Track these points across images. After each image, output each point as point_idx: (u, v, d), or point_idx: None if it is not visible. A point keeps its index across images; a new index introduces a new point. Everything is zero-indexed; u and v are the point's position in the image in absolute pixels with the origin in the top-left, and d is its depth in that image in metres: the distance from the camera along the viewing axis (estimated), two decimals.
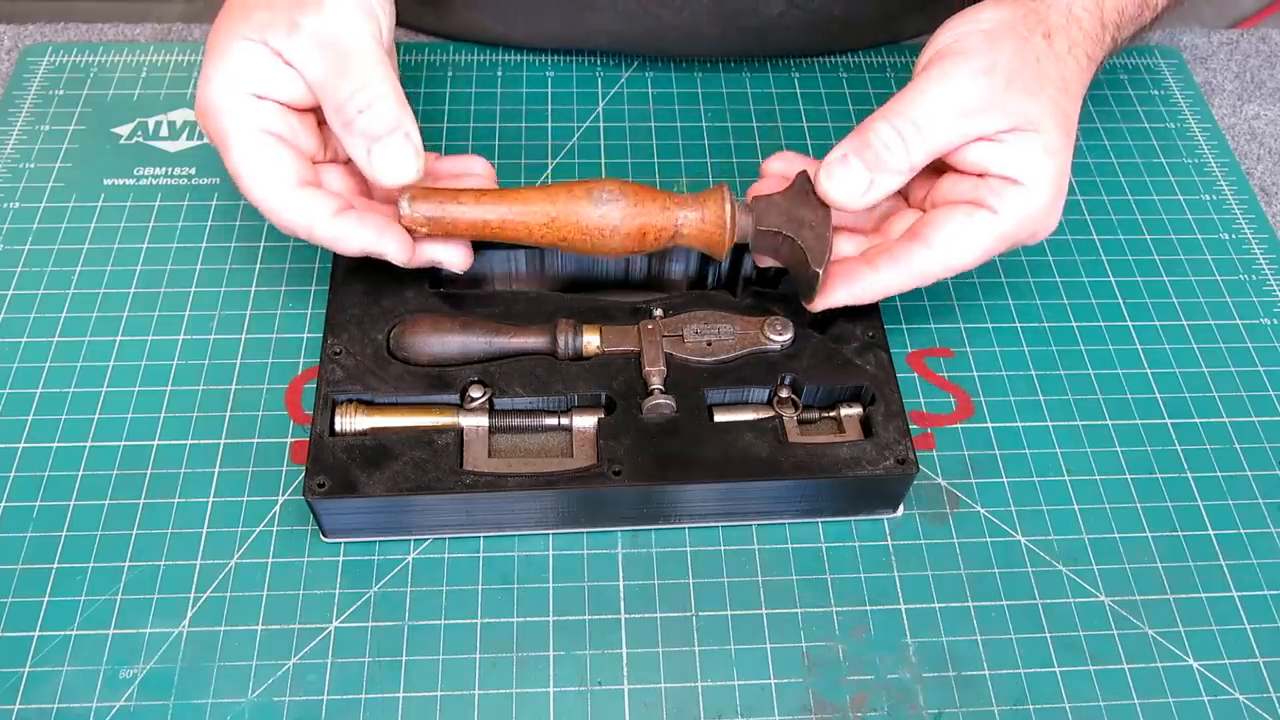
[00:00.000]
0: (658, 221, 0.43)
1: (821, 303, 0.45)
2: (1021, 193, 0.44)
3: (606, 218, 0.43)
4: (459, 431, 0.44)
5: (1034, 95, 0.43)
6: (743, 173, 0.59)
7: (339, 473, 0.42)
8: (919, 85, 0.43)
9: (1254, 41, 0.69)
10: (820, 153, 0.60)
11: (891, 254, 0.45)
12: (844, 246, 0.47)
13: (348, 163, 0.47)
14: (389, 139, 0.42)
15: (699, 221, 0.44)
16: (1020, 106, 0.43)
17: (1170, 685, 0.42)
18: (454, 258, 0.46)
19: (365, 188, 0.47)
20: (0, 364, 0.49)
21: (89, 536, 0.44)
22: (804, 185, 0.45)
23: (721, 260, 0.46)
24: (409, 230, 0.44)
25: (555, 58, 0.64)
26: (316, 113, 0.45)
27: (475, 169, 0.49)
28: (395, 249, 0.44)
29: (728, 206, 0.44)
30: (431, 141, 0.59)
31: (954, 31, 0.45)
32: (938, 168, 0.46)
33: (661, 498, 0.44)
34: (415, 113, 0.61)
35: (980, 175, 0.45)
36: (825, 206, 0.44)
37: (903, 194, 0.48)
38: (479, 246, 0.49)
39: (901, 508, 0.46)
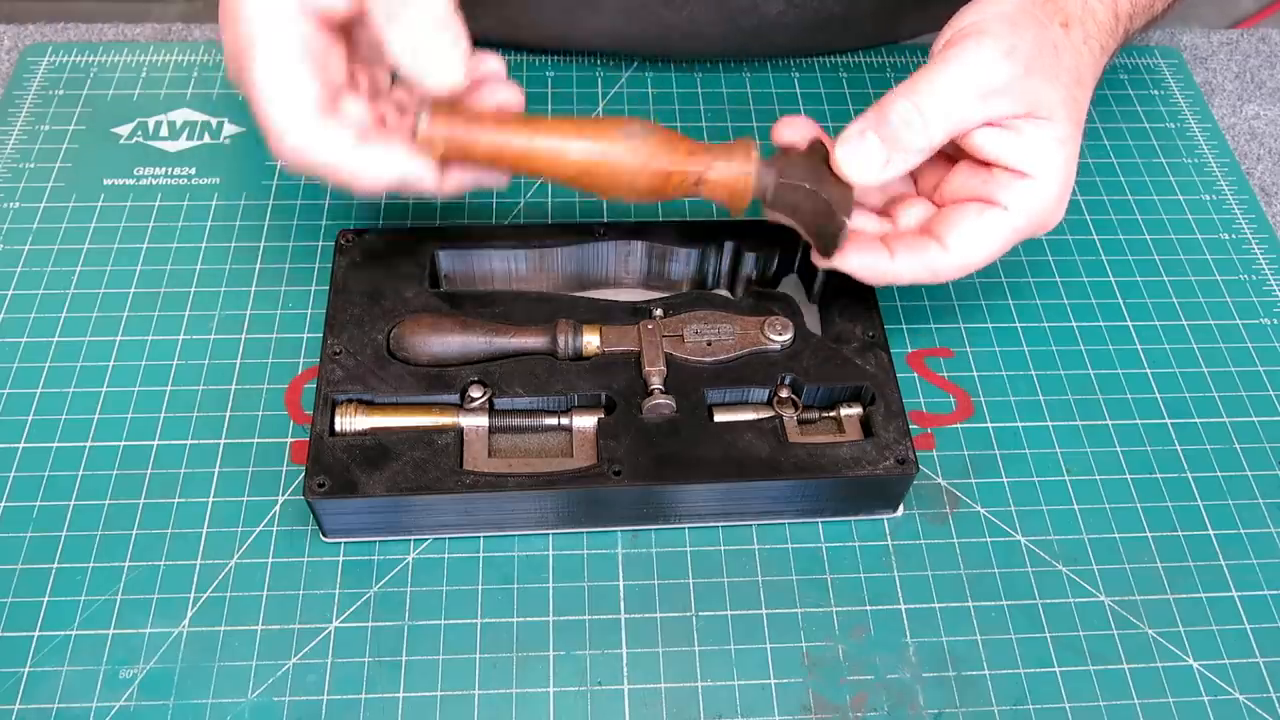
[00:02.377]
0: (683, 165, 0.42)
1: (839, 259, 0.44)
2: (1031, 186, 0.43)
3: (635, 154, 0.41)
4: (459, 431, 0.44)
5: (1050, 82, 0.43)
6: None
7: (339, 473, 0.42)
8: (940, 63, 0.43)
9: (1254, 41, 0.69)
10: None
11: (909, 246, 0.44)
12: (855, 221, 0.46)
13: (377, 98, 0.44)
14: (437, 36, 0.39)
15: (725, 169, 0.43)
16: (1037, 93, 0.43)
17: (1170, 685, 0.42)
18: (487, 179, 0.43)
19: (381, 121, 0.44)
20: (0, 364, 0.49)
21: (89, 536, 0.44)
22: (821, 151, 0.44)
23: (740, 212, 0.44)
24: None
25: (555, 58, 0.64)
26: (349, 38, 0.42)
27: (502, 95, 0.44)
28: (427, 174, 0.41)
29: (755, 154, 0.43)
30: None
31: (976, 13, 0.44)
32: (949, 155, 0.46)
33: (661, 498, 0.44)
34: None
35: (989, 167, 0.44)
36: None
37: (912, 177, 0.48)
38: (479, 246, 0.49)
39: (901, 508, 0.46)
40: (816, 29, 0.63)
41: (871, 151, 0.43)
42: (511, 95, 0.44)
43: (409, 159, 0.41)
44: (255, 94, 0.40)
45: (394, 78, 0.45)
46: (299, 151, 0.40)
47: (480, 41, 0.65)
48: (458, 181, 0.42)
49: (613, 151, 0.41)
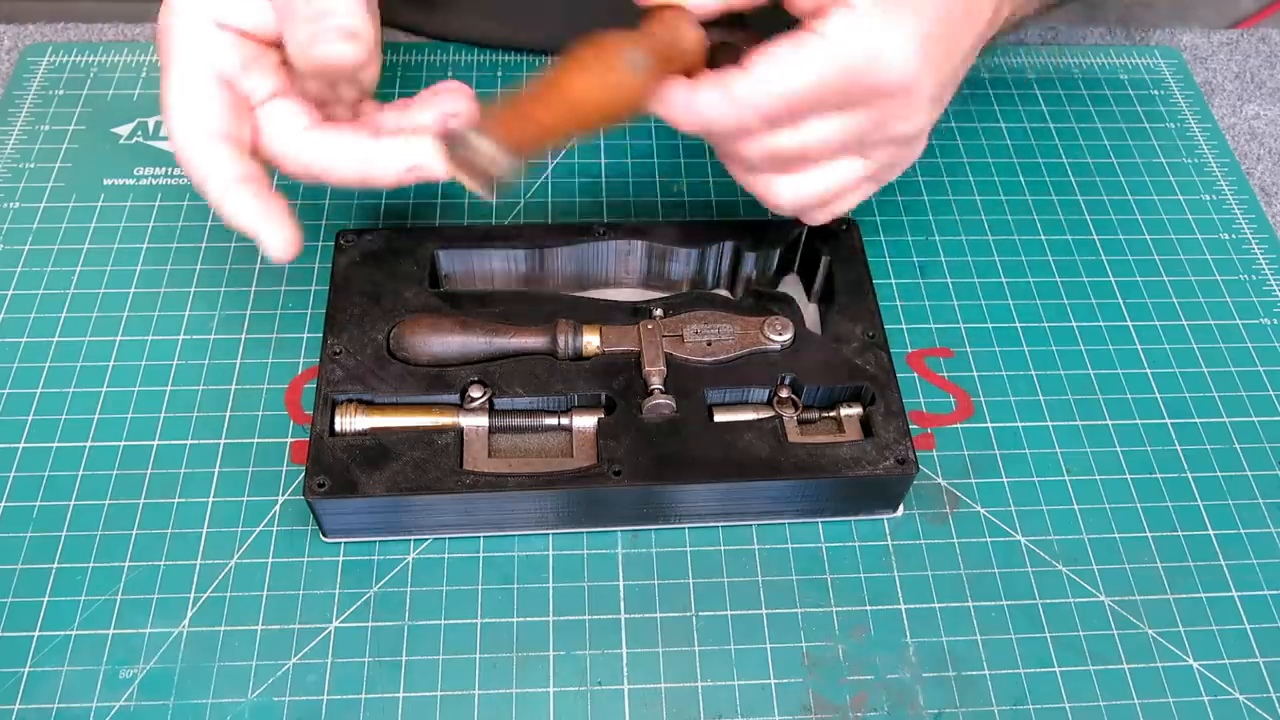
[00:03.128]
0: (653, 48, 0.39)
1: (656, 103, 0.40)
2: (846, 14, 0.38)
3: (642, 71, 0.39)
4: (459, 431, 0.44)
5: None
6: None
7: (339, 473, 0.42)
8: None
9: (1254, 41, 0.69)
10: None
11: (715, 76, 0.39)
12: None
13: (328, 101, 0.44)
14: (322, 20, 0.39)
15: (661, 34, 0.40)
16: None
17: (1170, 685, 0.42)
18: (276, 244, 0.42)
19: (322, 117, 0.43)
20: (0, 364, 0.49)
21: (89, 536, 0.44)
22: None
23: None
24: (465, 171, 0.40)
25: (556, 58, 0.64)
26: (278, 50, 0.42)
27: (448, 104, 0.44)
28: (275, 246, 0.41)
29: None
30: None
31: None
32: None
33: (661, 498, 0.44)
34: None
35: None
36: None
37: None
38: (479, 246, 0.49)
39: (901, 508, 0.46)
40: None
41: None
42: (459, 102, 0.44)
43: (263, 222, 0.41)
44: (163, 102, 0.41)
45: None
46: (184, 168, 0.41)
47: (478, 45, 0.65)
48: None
49: (628, 85, 0.39)
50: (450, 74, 0.63)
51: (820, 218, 0.45)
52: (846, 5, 0.38)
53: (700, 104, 0.39)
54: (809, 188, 0.43)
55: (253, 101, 0.42)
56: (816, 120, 0.40)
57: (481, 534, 0.45)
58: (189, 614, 0.43)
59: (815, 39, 0.38)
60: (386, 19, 0.65)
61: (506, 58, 0.64)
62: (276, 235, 0.41)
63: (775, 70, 0.38)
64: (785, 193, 0.43)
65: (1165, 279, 0.55)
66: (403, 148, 0.41)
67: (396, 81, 0.62)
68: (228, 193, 0.41)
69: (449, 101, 0.44)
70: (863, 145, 0.41)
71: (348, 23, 0.39)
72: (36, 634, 0.42)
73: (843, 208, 0.44)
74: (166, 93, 0.41)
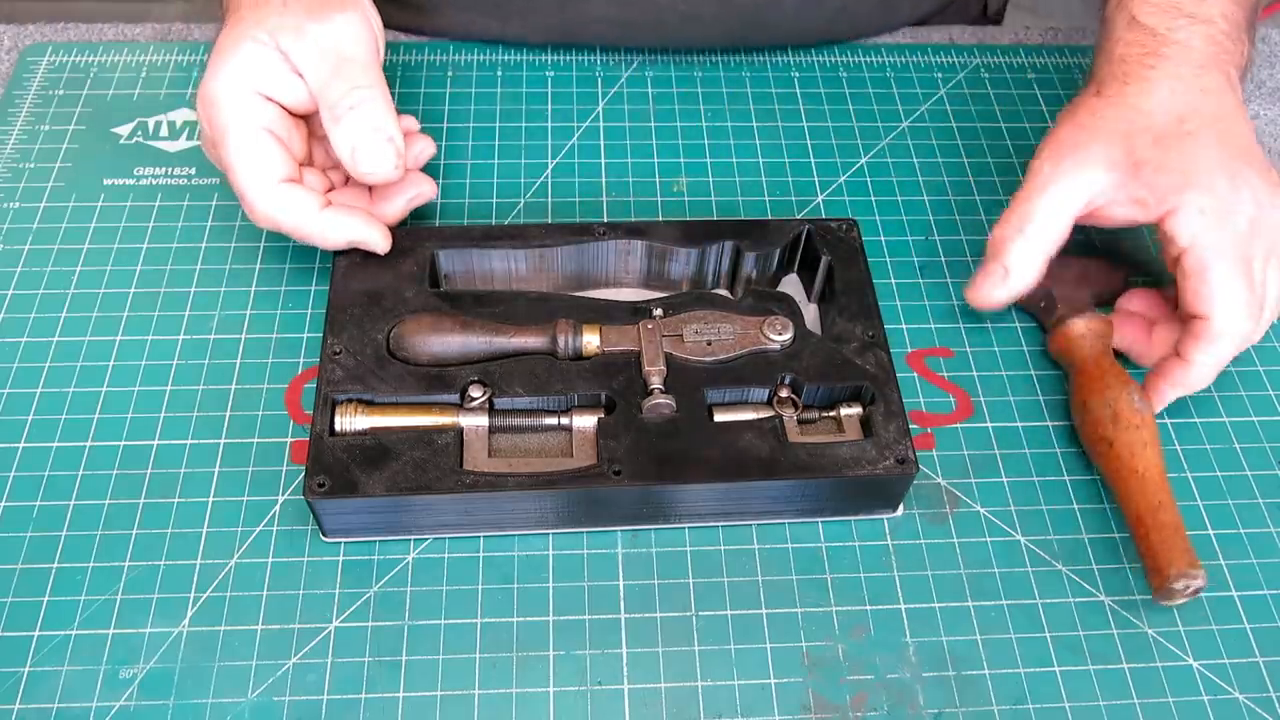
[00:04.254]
0: None
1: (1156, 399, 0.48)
2: (1202, 325, 0.46)
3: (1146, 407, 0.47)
4: (459, 431, 0.44)
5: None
6: (742, 172, 0.59)
7: (339, 472, 0.42)
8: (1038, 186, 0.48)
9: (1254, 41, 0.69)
10: (821, 151, 0.60)
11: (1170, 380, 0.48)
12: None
13: (327, 169, 0.51)
14: (373, 137, 0.46)
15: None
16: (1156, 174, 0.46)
17: (1170, 685, 0.42)
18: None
19: (337, 188, 0.51)
20: (0, 364, 0.49)
21: (89, 536, 0.44)
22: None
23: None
24: None
25: (555, 57, 0.64)
26: (309, 122, 0.49)
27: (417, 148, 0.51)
28: (379, 240, 0.48)
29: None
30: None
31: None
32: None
33: (661, 497, 0.44)
34: (416, 112, 0.61)
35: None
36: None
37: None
38: (479, 246, 0.49)
39: (901, 507, 0.46)
40: (815, 12, 0.63)
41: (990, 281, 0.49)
42: (426, 147, 0.51)
43: (364, 226, 0.48)
44: (230, 167, 0.46)
45: None
46: (270, 214, 0.47)
47: (479, 39, 0.65)
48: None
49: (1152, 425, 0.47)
50: (450, 73, 0.63)
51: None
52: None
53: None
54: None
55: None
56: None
57: (481, 534, 0.45)
58: (189, 614, 0.43)
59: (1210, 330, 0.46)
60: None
61: (506, 56, 0.64)
62: (377, 234, 0.48)
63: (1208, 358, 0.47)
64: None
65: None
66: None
67: (397, 82, 0.62)
68: (325, 220, 0.47)
69: (418, 188, 0.51)
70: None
71: (398, 141, 0.47)
72: (36, 634, 0.42)
73: None
74: (234, 153, 0.46)
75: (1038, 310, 0.52)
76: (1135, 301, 0.52)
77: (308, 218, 0.47)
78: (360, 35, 0.47)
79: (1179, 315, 0.48)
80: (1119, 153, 0.47)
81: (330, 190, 0.50)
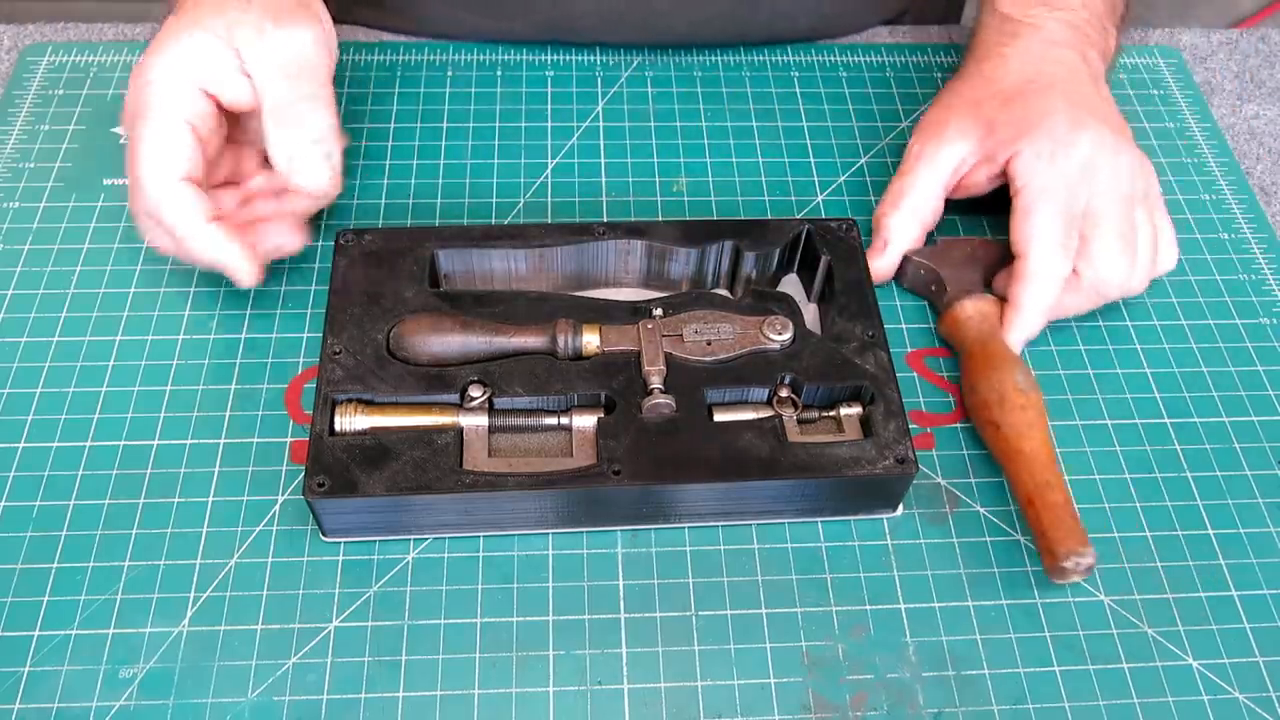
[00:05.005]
0: None
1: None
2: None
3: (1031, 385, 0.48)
4: (459, 431, 0.44)
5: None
6: (742, 172, 0.59)
7: (339, 472, 0.42)
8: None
9: (1254, 41, 0.69)
10: (821, 151, 0.60)
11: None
12: None
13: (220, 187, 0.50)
14: (313, 150, 0.46)
15: None
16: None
17: (1170, 685, 0.42)
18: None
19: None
20: (0, 364, 0.49)
21: (89, 536, 0.44)
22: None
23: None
24: None
25: (555, 56, 0.64)
26: (232, 126, 0.49)
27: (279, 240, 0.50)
28: (247, 274, 0.47)
29: None
30: (432, 141, 0.59)
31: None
32: None
33: (661, 497, 0.44)
34: (415, 113, 0.61)
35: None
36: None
37: None
38: (478, 246, 0.49)
39: (901, 507, 0.46)
40: (811, 5, 0.63)
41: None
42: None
43: (241, 254, 0.47)
44: (137, 150, 0.45)
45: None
46: (157, 207, 0.45)
47: (470, 39, 0.65)
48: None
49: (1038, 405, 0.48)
50: (450, 73, 0.63)
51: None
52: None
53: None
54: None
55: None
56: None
57: (481, 533, 0.45)
58: (189, 613, 0.43)
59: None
60: (376, 24, 0.65)
61: (506, 56, 0.64)
62: (250, 268, 0.47)
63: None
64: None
65: (1165, 279, 0.55)
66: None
67: (396, 81, 0.62)
68: (202, 232, 0.46)
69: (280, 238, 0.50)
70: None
71: (335, 159, 0.47)
72: (36, 634, 0.42)
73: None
74: (145, 137, 0.45)
75: (930, 294, 0.53)
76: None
77: (194, 223, 0.46)
78: (318, 50, 0.48)
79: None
80: (971, 120, 0.52)
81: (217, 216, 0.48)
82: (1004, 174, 0.51)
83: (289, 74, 0.47)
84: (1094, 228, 0.49)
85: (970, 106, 0.52)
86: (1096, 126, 0.50)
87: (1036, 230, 0.48)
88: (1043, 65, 0.52)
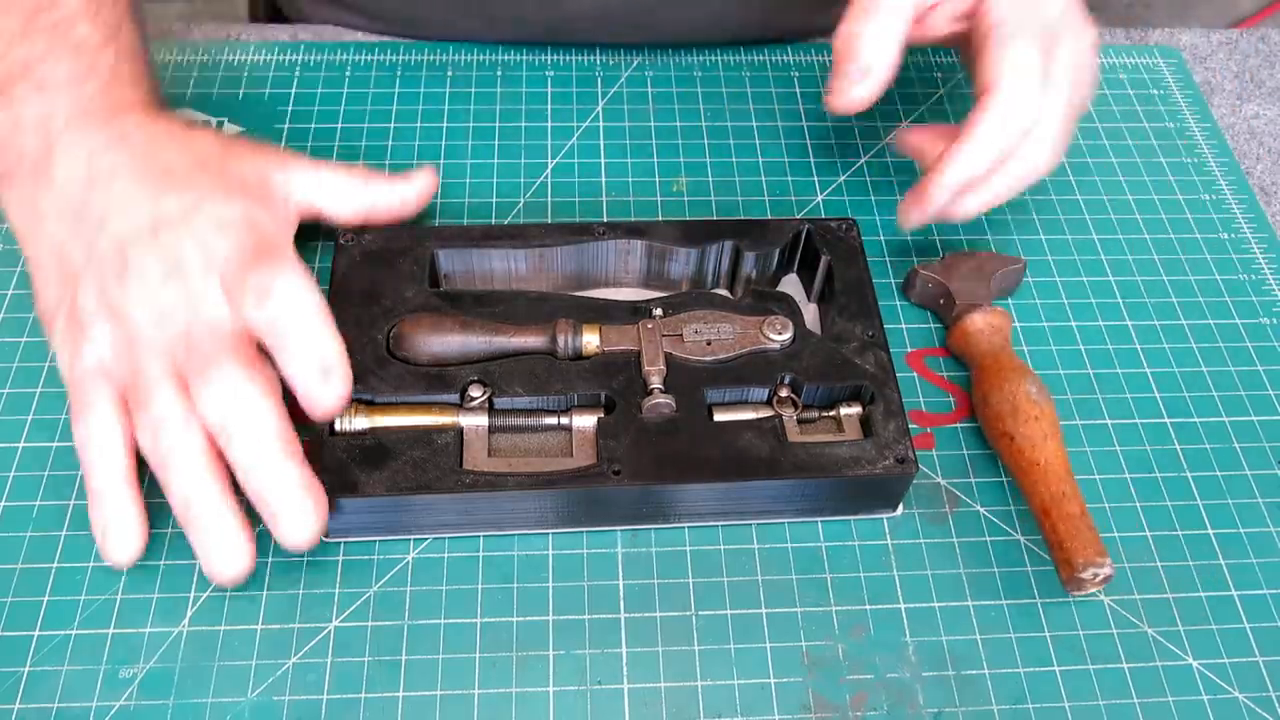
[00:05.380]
0: None
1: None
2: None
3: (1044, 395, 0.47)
4: (459, 431, 0.44)
5: None
6: (742, 172, 0.59)
7: (339, 472, 0.42)
8: None
9: (1253, 41, 0.69)
10: (821, 151, 0.60)
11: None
12: None
13: None
14: (321, 375, 0.40)
15: None
16: None
17: (1170, 685, 0.42)
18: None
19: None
20: (0, 364, 0.49)
21: (89, 536, 0.44)
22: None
23: None
24: None
25: (555, 57, 0.64)
26: None
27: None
28: (116, 552, 0.42)
29: None
30: (431, 141, 0.59)
31: None
32: None
33: (661, 497, 0.44)
34: (415, 112, 0.61)
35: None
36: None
37: None
38: (478, 246, 0.49)
39: (901, 507, 0.46)
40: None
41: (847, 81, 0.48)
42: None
43: (101, 533, 0.42)
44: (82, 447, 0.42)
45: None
46: (90, 467, 0.41)
47: (465, 42, 0.65)
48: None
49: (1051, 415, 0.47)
50: (450, 73, 0.63)
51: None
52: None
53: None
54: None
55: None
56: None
57: (481, 533, 0.45)
58: (189, 613, 0.43)
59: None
60: (365, 27, 0.65)
61: (506, 56, 0.64)
62: (132, 539, 0.42)
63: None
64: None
65: (1165, 279, 0.55)
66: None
67: (396, 81, 0.62)
68: (118, 489, 0.41)
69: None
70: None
71: (351, 381, 0.41)
72: (36, 634, 0.42)
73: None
74: (88, 437, 0.41)
75: (938, 308, 0.52)
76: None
77: (104, 482, 0.41)
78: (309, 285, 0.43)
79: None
80: None
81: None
82: (966, 18, 0.48)
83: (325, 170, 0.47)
84: (1047, 98, 0.46)
85: None
86: None
87: (1015, 59, 0.45)
88: None
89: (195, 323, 0.41)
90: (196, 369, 0.40)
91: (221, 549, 0.40)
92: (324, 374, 0.40)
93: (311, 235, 0.54)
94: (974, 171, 0.46)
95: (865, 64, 0.46)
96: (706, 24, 0.63)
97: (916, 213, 0.49)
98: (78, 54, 0.44)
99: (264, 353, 0.42)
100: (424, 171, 0.52)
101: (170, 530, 0.44)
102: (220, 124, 0.60)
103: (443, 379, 0.45)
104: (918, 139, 0.51)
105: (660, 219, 0.56)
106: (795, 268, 0.52)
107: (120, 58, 0.46)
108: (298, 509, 0.40)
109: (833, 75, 0.48)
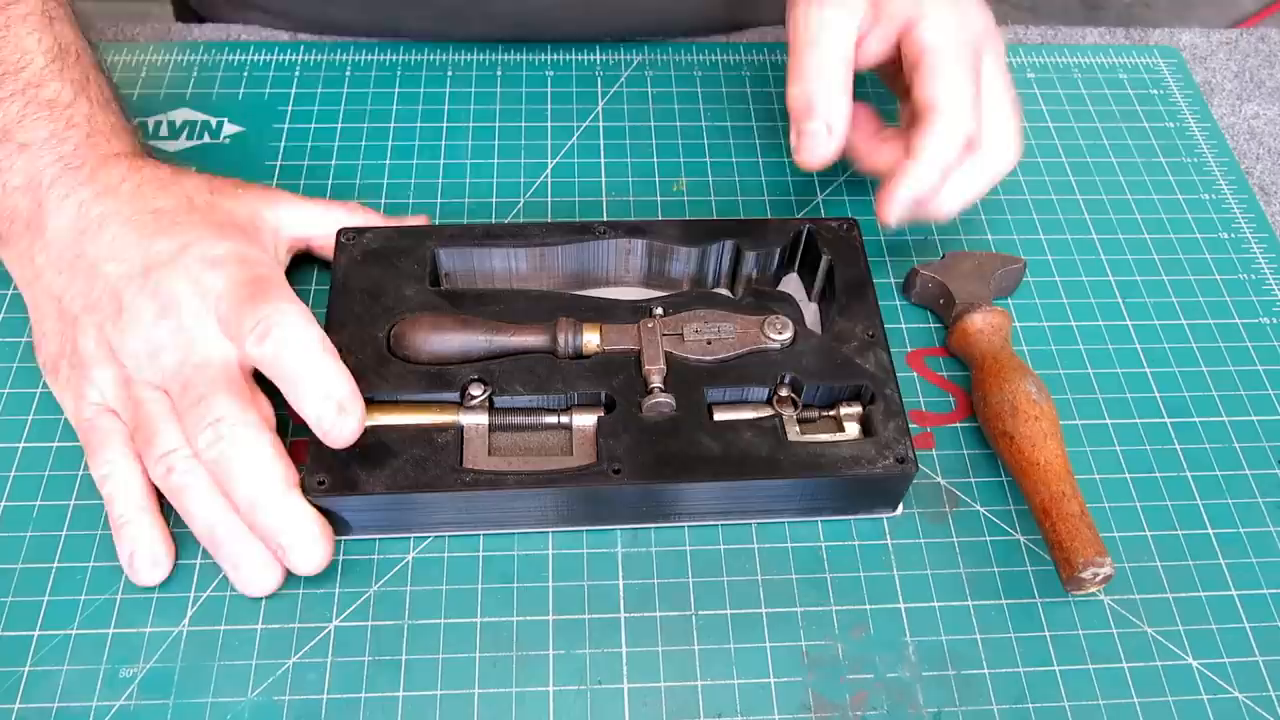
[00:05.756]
0: None
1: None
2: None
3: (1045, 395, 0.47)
4: (459, 429, 0.44)
5: None
6: (742, 172, 0.59)
7: (339, 470, 0.42)
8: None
9: (1253, 41, 0.69)
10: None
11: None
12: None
13: None
14: (333, 405, 0.40)
15: None
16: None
17: (1170, 684, 0.42)
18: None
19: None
20: (0, 364, 0.49)
21: (89, 536, 0.44)
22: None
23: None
24: None
25: (555, 56, 0.64)
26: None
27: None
28: (145, 573, 0.43)
29: None
30: (431, 141, 0.59)
31: None
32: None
33: (661, 496, 0.44)
34: (416, 112, 0.61)
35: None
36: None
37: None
38: (479, 245, 0.49)
39: (901, 507, 0.46)
40: None
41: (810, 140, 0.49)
42: None
43: (129, 556, 0.43)
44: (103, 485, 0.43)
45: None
46: (117, 503, 0.43)
47: (425, 40, 0.64)
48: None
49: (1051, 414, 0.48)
50: (450, 73, 0.63)
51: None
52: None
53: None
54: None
55: None
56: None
57: (481, 532, 0.45)
58: (189, 613, 0.43)
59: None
60: (311, 29, 0.64)
61: (506, 56, 0.64)
62: (160, 562, 0.43)
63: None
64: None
65: (1164, 279, 0.55)
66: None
67: (396, 81, 0.62)
68: (140, 517, 0.43)
69: None
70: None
71: (360, 407, 0.41)
72: (36, 633, 0.42)
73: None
74: (105, 474, 0.43)
75: (938, 307, 0.52)
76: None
77: (134, 515, 0.43)
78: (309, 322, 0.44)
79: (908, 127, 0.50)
80: None
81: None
82: (896, 43, 0.50)
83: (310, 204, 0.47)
84: (991, 106, 0.49)
85: None
86: (979, 10, 0.50)
87: (950, 84, 0.47)
88: None
89: (186, 361, 0.42)
90: (189, 405, 0.41)
91: (252, 569, 0.42)
92: (338, 410, 0.40)
93: None
94: (925, 187, 0.48)
95: (826, 123, 0.48)
96: (696, 20, 0.63)
97: (885, 219, 0.49)
98: (53, 112, 0.46)
99: (261, 381, 0.43)
100: (418, 217, 0.52)
101: (169, 530, 0.44)
102: (220, 124, 0.60)
103: (443, 378, 0.45)
104: (870, 162, 0.51)
105: (660, 218, 0.56)
106: (796, 267, 0.52)
107: (94, 108, 0.47)
108: (306, 540, 0.41)
109: (795, 134, 0.49)
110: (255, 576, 0.42)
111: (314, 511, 0.41)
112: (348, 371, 0.41)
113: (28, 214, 0.45)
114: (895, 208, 0.48)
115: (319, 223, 0.50)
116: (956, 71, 0.48)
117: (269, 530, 0.41)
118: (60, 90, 0.46)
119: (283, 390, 0.41)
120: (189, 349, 0.42)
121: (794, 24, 0.49)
